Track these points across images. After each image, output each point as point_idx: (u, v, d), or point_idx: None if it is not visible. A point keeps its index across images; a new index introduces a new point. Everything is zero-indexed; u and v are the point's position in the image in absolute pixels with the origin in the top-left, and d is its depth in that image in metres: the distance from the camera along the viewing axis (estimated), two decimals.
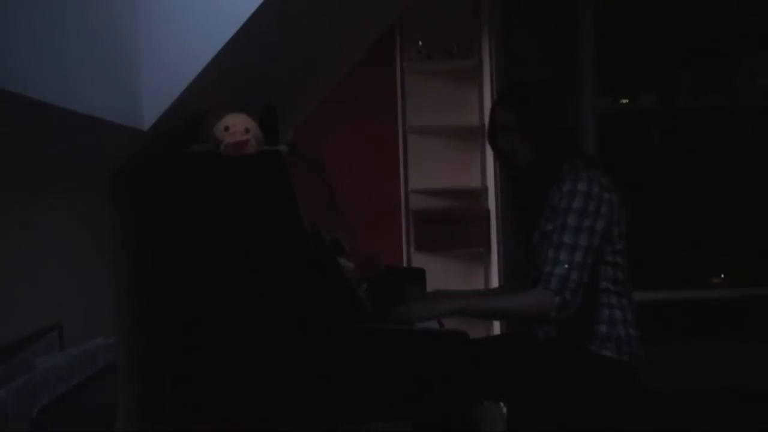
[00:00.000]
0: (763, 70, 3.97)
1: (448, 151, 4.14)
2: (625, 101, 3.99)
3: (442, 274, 3.73)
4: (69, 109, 1.26)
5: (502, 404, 2.72)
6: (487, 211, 4.04)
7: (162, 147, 1.76)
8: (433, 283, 2.74)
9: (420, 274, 2.73)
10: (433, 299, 2.28)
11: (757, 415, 3.24)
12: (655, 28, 3.97)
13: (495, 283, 3.98)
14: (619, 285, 2.13)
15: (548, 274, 2.03)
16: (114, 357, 1.39)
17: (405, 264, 4.07)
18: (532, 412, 2.17)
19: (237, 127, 1.77)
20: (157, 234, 1.83)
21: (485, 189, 4.07)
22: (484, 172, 4.10)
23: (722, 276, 3.97)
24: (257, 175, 1.77)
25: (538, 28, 3.98)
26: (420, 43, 4.07)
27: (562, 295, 2.01)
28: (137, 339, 1.86)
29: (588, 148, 3.64)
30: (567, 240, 2.04)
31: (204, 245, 1.78)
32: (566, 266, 2.02)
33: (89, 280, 1.62)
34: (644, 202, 3.86)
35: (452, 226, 4.05)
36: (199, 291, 1.77)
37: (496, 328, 3.80)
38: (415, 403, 1.77)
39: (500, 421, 2.56)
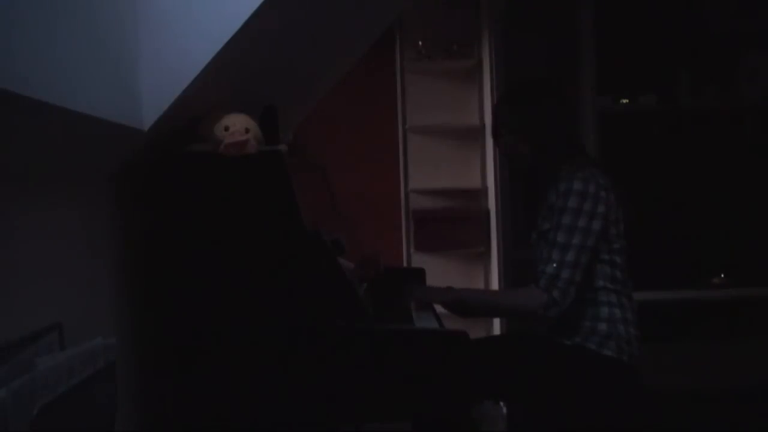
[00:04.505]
0: (763, 69, 3.97)
1: (448, 151, 4.14)
2: (625, 101, 3.99)
3: (442, 274, 3.73)
4: (69, 109, 1.26)
5: (502, 404, 2.73)
6: (487, 211, 4.04)
7: (162, 147, 1.76)
8: (432, 283, 2.73)
9: (420, 274, 2.73)
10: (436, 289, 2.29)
11: (757, 415, 3.24)
12: (655, 28, 3.97)
13: (495, 283, 3.98)
14: (618, 284, 2.13)
15: (540, 273, 2.07)
16: (114, 357, 1.39)
17: (405, 264, 4.07)
18: (531, 412, 2.17)
19: (237, 127, 1.77)
20: (157, 234, 1.83)
21: (485, 189, 4.07)
22: (484, 172, 4.09)
23: (722, 276, 3.97)
24: (257, 175, 1.77)
25: (538, 27, 3.98)
26: (420, 43, 4.07)
27: (550, 294, 2.03)
28: (137, 339, 1.86)
29: (588, 148, 3.64)
30: (560, 239, 2.06)
31: (204, 245, 1.78)
32: (555, 265, 2.04)
33: (89, 280, 1.62)
34: (644, 202, 3.86)
35: (452, 226, 4.05)
36: (198, 291, 1.77)
37: (496, 328, 3.80)
38: (415, 403, 1.77)
39: (500, 421, 2.56)
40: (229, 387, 1.76)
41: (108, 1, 1.51)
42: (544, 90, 2.29)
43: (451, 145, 4.14)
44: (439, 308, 2.24)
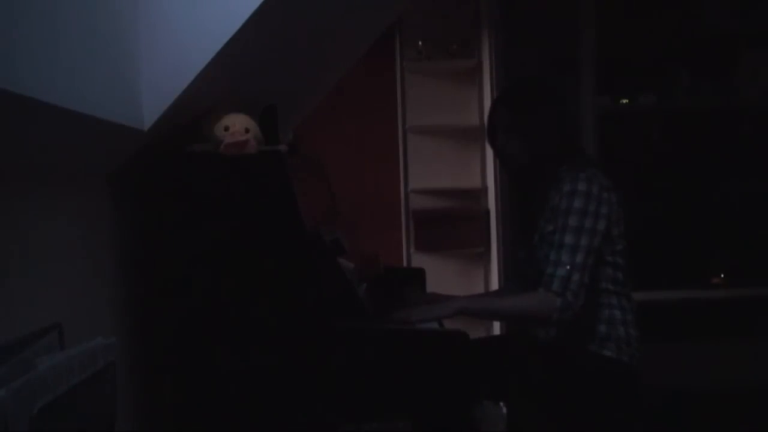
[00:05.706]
0: (763, 69, 3.97)
1: (448, 151, 4.14)
2: (625, 101, 3.99)
3: (442, 274, 3.73)
4: (69, 109, 1.26)
5: (502, 404, 2.72)
6: (487, 211, 4.04)
7: (162, 147, 1.76)
8: (432, 283, 2.73)
9: (420, 274, 2.72)
10: (433, 301, 2.29)
11: (757, 415, 3.24)
12: (655, 27, 3.97)
13: (495, 282, 3.98)
14: (619, 285, 2.13)
15: (550, 276, 2.03)
16: (114, 357, 1.39)
17: (405, 264, 4.06)
18: (532, 412, 2.17)
19: (237, 127, 1.77)
20: (157, 234, 1.83)
21: (485, 189, 4.07)
22: (484, 172, 4.09)
23: (722, 276, 3.97)
24: (257, 175, 1.77)
25: (538, 28, 3.98)
26: (420, 43, 4.06)
27: (564, 297, 2.00)
28: (137, 339, 1.86)
29: (588, 148, 3.64)
30: (568, 241, 2.04)
31: (204, 245, 1.78)
32: (568, 267, 2.01)
33: (89, 280, 1.62)
34: (644, 202, 3.86)
35: (452, 226, 4.05)
36: (198, 291, 1.77)
37: (496, 328, 3.80)
38: (415, 403, 1.77)
39: (500, 421, 2.56)
40: (229, 387, 1.76)
41: (108, 1, 1.51)
42: (540, 91, 2.29)
43: (451, 145, 4.14)
44: None
